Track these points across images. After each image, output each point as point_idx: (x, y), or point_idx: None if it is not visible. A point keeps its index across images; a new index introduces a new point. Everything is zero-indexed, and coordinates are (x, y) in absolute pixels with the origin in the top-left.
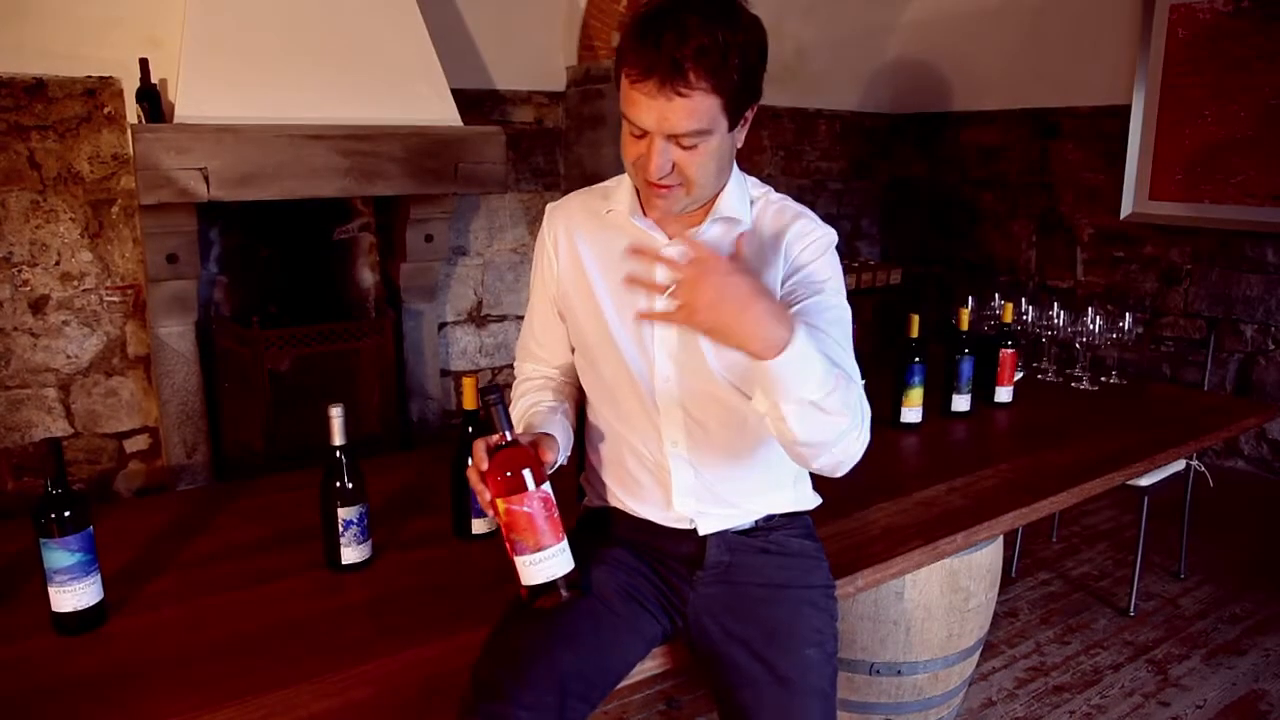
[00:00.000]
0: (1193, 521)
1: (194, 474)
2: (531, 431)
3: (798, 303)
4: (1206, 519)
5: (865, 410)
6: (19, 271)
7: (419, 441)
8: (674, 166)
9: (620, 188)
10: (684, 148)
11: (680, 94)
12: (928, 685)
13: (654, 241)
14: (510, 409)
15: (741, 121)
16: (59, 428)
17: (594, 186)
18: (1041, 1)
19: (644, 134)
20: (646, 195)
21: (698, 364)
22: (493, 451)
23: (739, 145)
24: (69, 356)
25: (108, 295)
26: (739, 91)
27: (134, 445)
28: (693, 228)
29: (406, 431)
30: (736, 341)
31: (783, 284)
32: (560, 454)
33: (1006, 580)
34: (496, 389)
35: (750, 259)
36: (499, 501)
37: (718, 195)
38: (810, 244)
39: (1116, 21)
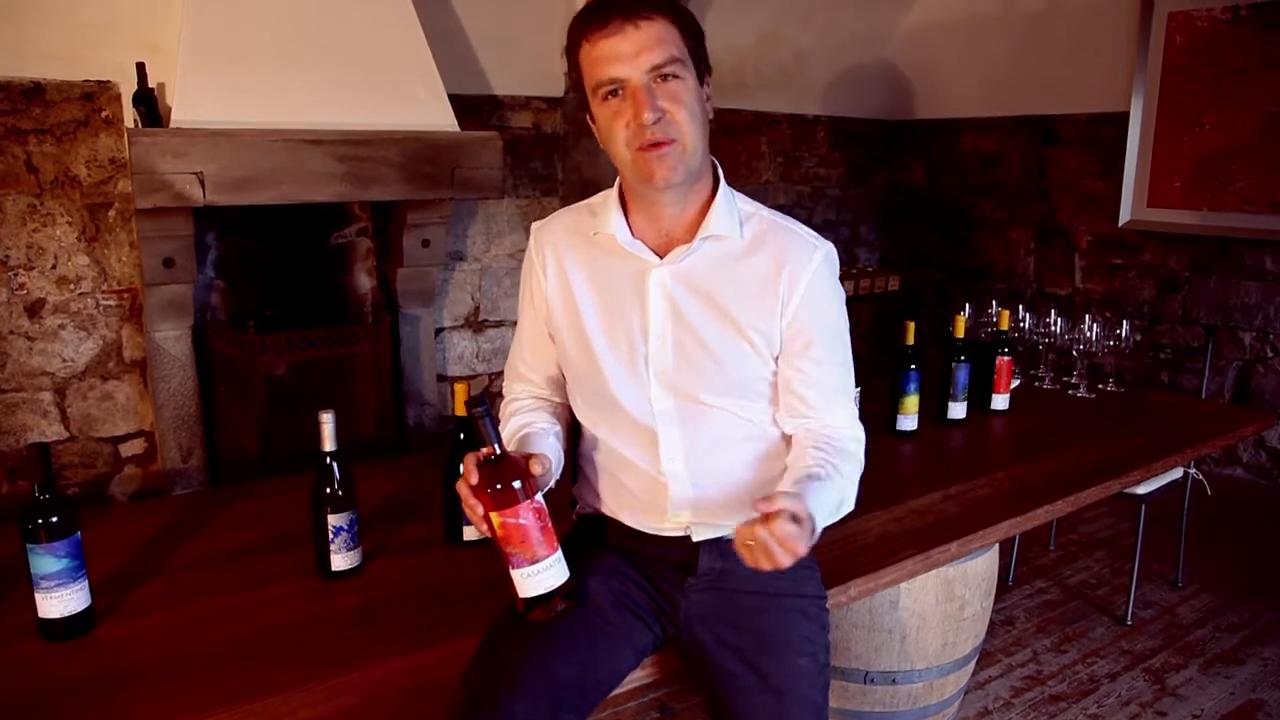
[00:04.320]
0: (1191, 530)
1: (189, 478)
2: (521, 451)
3: (801, 351)
4: (1204, 527)
5: (861, 463)
6: (15, 275)
7: (415, 446)
8: (663, 114)
9: (607, 206)
10: (664, 80)
11: (645, 18)
12: (923, 694)
13: (644, 262)
14: (499, 431)
15: (706, 85)
16: (54, 431)
17: (579, 204)
18: (1040, 8)
19: (621, 89)
20: (643, 166)
21: (694, 385)
22: (482, 465)
23: (709, 116)
24: (65, 360)
25: (104, 299)
26: (693, 35)
27: (129, 449)
28: (681, 246)
29: (403, 436)
30: None
31: (782, 317)
32: (552, 476)
33: (1003, 588)
34: (484, 400)
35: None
36: (493, 515)
37: (706, 210)
38: (809, 276)
39: (1115, 28)
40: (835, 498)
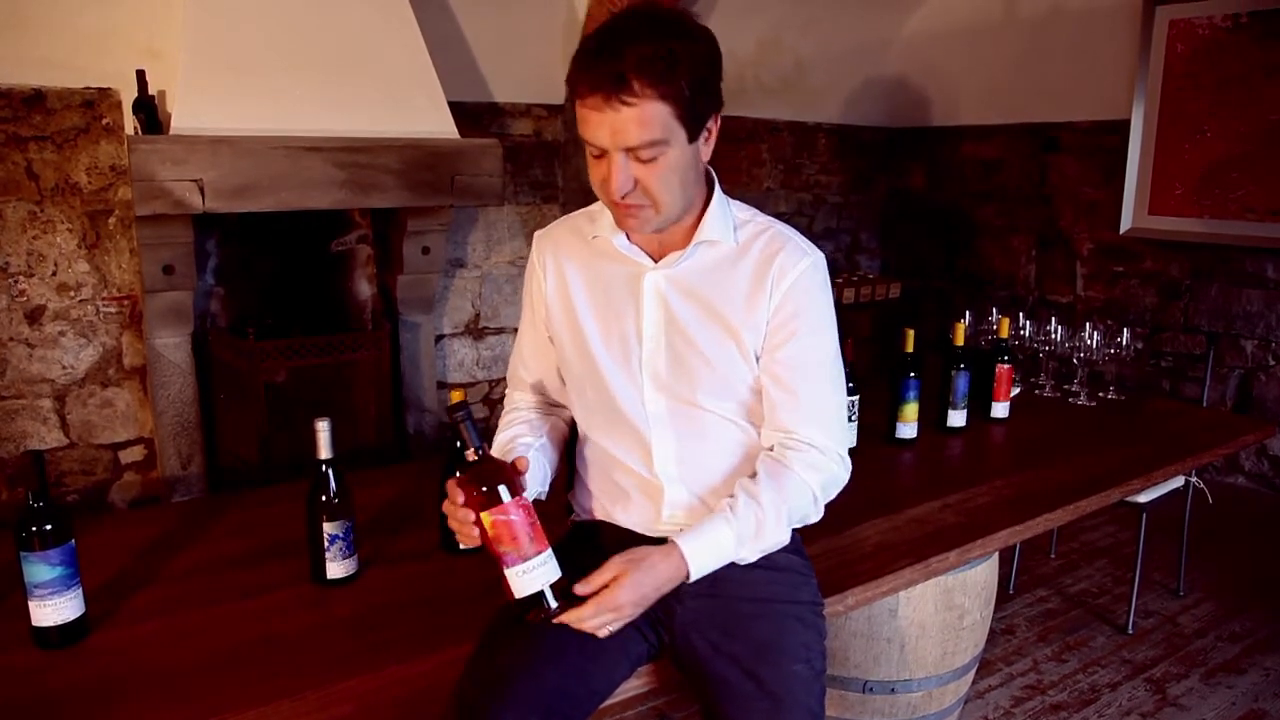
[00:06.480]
0: (1192, 538)
1: (189, 485)
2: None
3: (776, 350)
4: (1206, 536)
5: (820, 484)
6: (16, 282)
7: (415, 453)
8: (636, 184)
9: (605, 211)
10: (642, 161)
11: (626, 103)
12: (922, 703)
13: (639, 265)
14: (494, 437)
15: (705, 133)
16: (54, 438)
17: (581, 210)
18: (1041, 16)
19: (602, 153)
20: (617, 216)
21: (686, 390)
22: (466, 468)
23: (706, 158)
24: (65, 367)
25: (104, 306)
26: (691, 100)
27: (129, 456)
28: (676, 251)
29: (403, 444)
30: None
31: (767, 321)
32: (540, 485)
33: (1004, 597)
34: (464, 405)
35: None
36: (483, 515)
37: (701, 218)
38: (795, 279)
39: (1116, 36)
40: (732, 534)
